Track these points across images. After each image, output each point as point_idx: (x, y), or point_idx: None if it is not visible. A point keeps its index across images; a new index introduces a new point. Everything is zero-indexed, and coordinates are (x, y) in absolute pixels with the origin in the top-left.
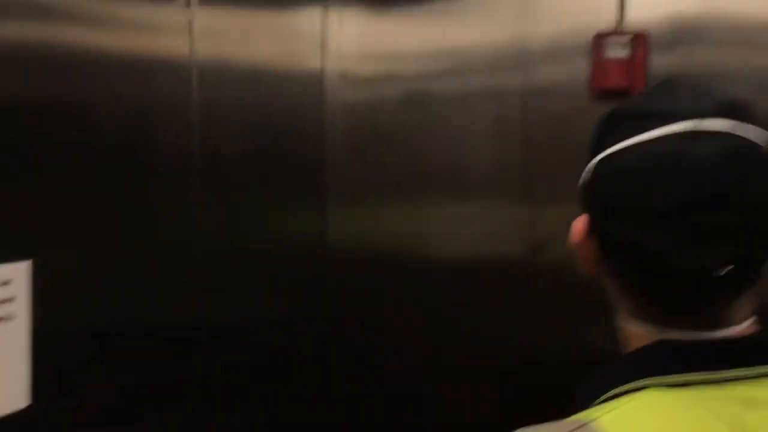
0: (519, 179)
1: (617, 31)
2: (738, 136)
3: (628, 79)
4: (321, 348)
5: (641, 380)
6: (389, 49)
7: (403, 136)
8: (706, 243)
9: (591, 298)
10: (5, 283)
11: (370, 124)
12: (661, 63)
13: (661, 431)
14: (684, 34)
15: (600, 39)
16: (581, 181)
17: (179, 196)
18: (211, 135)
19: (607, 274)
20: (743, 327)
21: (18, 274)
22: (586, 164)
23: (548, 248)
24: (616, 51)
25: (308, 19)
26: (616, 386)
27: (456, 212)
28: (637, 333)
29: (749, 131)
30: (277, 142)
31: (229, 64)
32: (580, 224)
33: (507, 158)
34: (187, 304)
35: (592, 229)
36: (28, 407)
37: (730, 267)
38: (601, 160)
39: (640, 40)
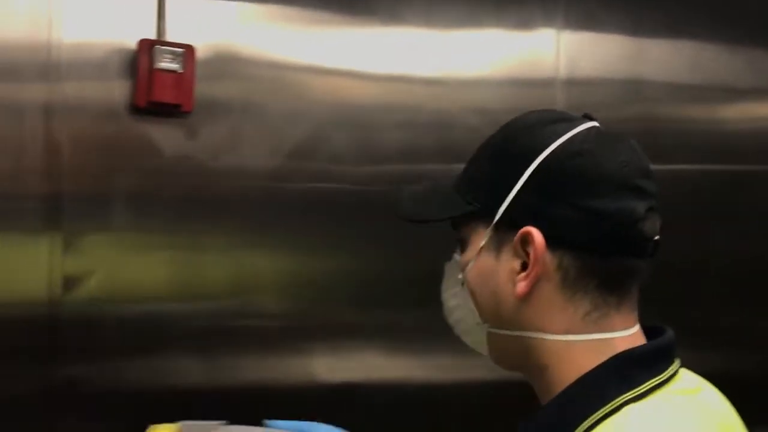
0: (43, 207)
1: (164, 41)
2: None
3: (179, 95)
4: None
5: (615, 401)
6: None
7: None
8: (652, 208)
9: (130, 334)
10: None
11: None
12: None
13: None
14: (221, 63)
15: (147, 47)
16: (513, 194)
17: None
18: None
19: (557, 282)
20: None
21: None
22: (504, 176)
23: (83, 283)
24: (167, 62)
25: None
26: (594, 412)
27: None
28: (578, 351)
29: None
30: None
31: None
32: (539, 239)
33: (26, 183)
34: None
35: (550, 229)
36: None
37: (657, 236)
38: (550, 155)
39: (190, 53)
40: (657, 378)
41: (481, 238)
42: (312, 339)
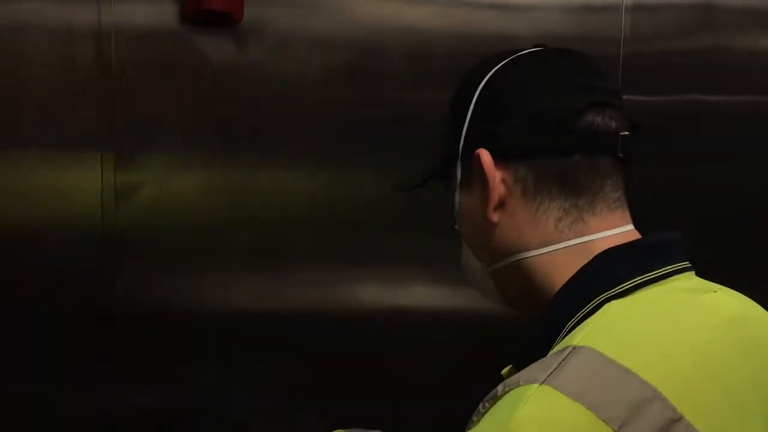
0: (96, 127)
1: None
2: None
3: (229, 2)
4: None
5: (594, 300)
6: None
7: None
8: (606, 104)
9: (179, 253)
10: None
11: None
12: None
13: (644, 328)
14: None
15: None
16: (466, 127)
17: None
18: None
19: (519, 196)
20: (633, 228)
21: None
22: (458, 117)
23: (136, 194)
24: None
25: None
26: (573, 315)
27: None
28: (560, 260)
29: None
30: None
31: None
32: (486, 158)
33: (79, 104)
34: None
35: (498, 145)
36: None
37: (627, 132)
38: (488, 80)
39: None
40: (646, 275)
41: (456, 183)
42: (358, 265)
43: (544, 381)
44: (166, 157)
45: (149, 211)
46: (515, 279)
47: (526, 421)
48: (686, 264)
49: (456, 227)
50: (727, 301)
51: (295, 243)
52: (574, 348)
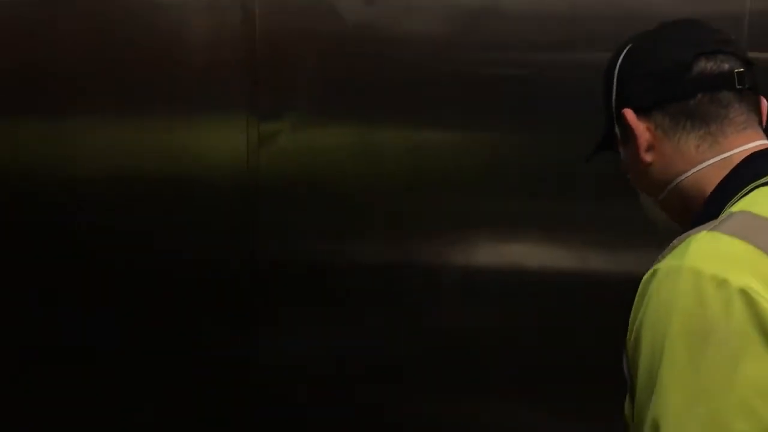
0: (242, 87)
1: None
2: None
3: None
4: None
5: (746, 188)
6: None
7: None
8: (722, 51)
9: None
10: None
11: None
12: None
13: None
14: None
15: None
16: (614, 95)
17: None
18: None
19: (662, 137)
20: (765, 141)
21: None
22: (607, 88)
23: (277, 140)
24: None
25: None
26: (729, 200)
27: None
28: (708, 174)
29: None
30: None
31: None
32: (630, 115)
33: (228, 68)
34: None
35: (637, 103)
36: None
37: (742, 70)
38: (625, 54)
39: None
40: None
41: (618, 141)
42: (478, 223)
43: (709, 230)
44: (303, 113)
45: (288, 160)
46: (677, 200)
47: (698, 252)
48: None
49: (628, 177)
50: None
51: (425, 202)
52: (731, 213)
